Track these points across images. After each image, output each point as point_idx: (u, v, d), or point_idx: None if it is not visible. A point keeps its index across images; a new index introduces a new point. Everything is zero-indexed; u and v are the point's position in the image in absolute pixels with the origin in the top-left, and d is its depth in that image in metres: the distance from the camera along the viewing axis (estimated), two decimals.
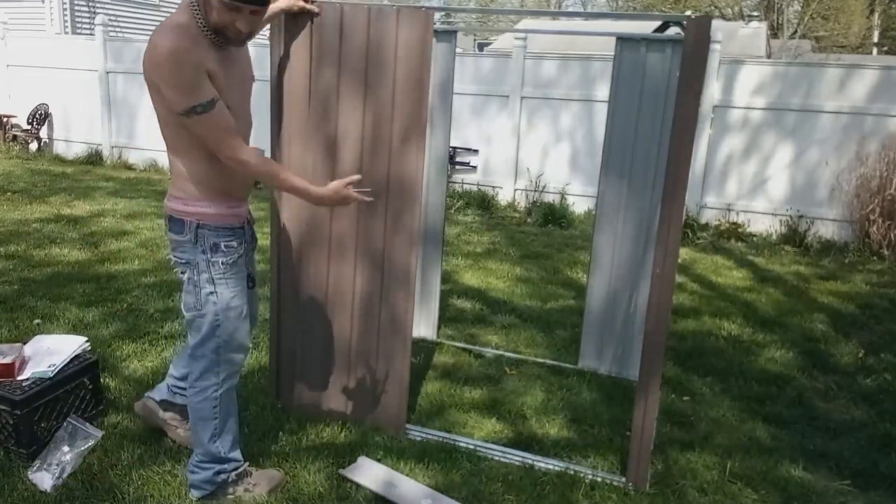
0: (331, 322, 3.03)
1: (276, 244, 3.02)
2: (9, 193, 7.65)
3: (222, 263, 2.33)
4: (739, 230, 7.42)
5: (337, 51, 2.79)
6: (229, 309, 2.37)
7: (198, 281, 2.32)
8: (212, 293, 2.33)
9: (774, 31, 22.74)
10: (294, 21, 2.76)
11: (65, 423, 2.72)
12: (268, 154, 2.41)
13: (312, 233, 2.97)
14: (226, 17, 2.08)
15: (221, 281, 2.34)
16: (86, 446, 2.67)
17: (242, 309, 2.42)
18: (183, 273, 2.34)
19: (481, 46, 21.60)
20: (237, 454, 2.54)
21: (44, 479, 2.52)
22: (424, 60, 2.73)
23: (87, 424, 2.77)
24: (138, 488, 2.52)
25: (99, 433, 2.77)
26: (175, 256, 2.34)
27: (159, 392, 2.82)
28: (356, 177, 2.38)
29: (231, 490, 2.51)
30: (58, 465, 2.57)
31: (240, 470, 2.53)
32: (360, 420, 3.06)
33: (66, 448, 2.63)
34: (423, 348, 4.02)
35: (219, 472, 2.48)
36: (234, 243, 2.35)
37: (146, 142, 10.12)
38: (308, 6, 2.73)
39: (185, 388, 2.75)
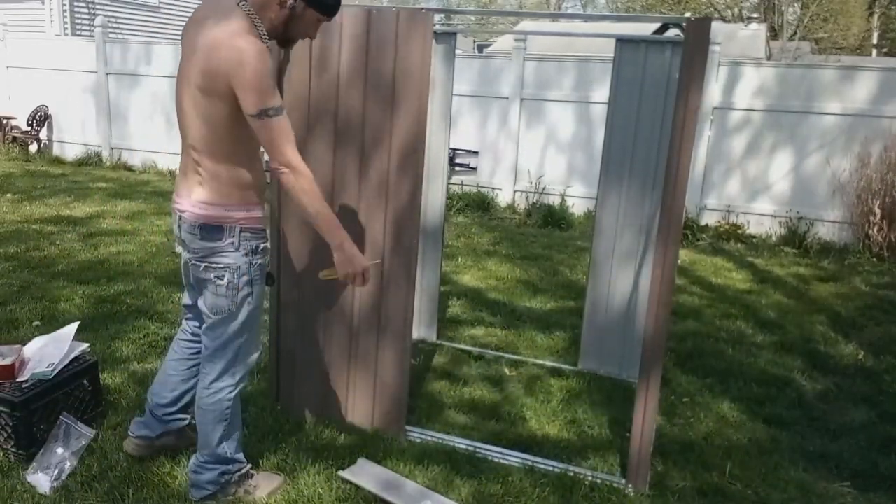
0: (331, 323, 3.03)
1: (277, 245, 3.02)
2: (9, 195, 7.66)
3: (259, 265, 2.36)
4: (739, 232, 7.43)
5: (337, 52, 2.79)
6: (257, 308, 2.41)
7: (237, 283, 2.31)
8: (249, 294, 2.35)
9: (774, 33, 22.75)
10: None
11: (58, 422, 2.71)
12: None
13: (313, 234, 2.96)
14: (311, 28, 2.21)
15: (257, 281, 2.37)
16: (79, 446, 2.66)
17: (262, 308, 2.48)
18: (220, 278, 2.29)
19: (481, 48, 21.63)
20: (241, 455, 2.54)
21: (42, 480, 2.51)
22: (424, 62, 2.73)
23: (80, 423, 2.74)
24: (137, 490, 2.52)
25: (91, 432, 2.75)
26: (207, 262, 2.28)
27: (146, 427, 2.68)
28: (377, 261, 2.55)
29: (232, 491, 2.51)
30: (56, 466, 2.56)
31: (243, 471, 2.53)
32: (360, 422, 3.06)
33: (60, 448, 2.61)
34: (423, 350, 4.02)
35: (223, 473, 2.48)
36: (267, 244, 2.39)
37: (145, 143, 10.14)
38: None
39: (177, 412, 2.69)
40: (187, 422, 2.74)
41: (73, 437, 2.66)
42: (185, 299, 2.60)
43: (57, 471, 2.54)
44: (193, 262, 2.31)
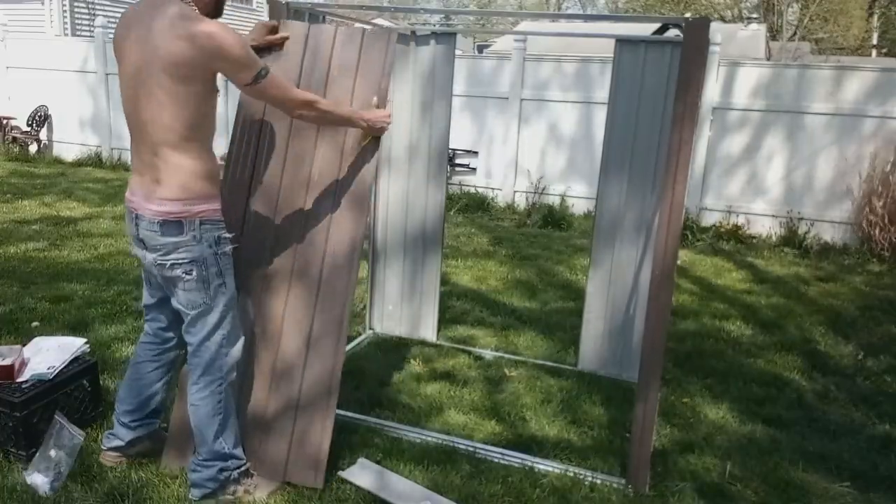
0: (257, 356, 2.73)
1: None
2: (8, 195, 7.66)
3: (225, 254, 2.38)
4: (739, 232, 7.43)
5: (298, 67, 2.75)
6: (233, 297, 2.44)
7: (207, 276, 2.33)
8: (221, 284, 2.38)
9: (774, 33, 22.75)
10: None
11: (52, 422, 2.67)
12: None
13: (251, 255, 2.76)
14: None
15: (227, 271, 2.40)
16: (74, 446, 2.63)
17: (237, 297, 2.50)
18: (188, 273, 2.31)
19: (481, 48, 21.64)
20: (240, 451, 2.54)
21: (40, 482, 2.50)
22: (384, 76, 2.69)
23: (72, 425, 2.69)
24: (137, 490, 2.52)
25: (82, 434, 2.70)
26: (173, 259, 2.30)
27: (116, 438, 2.66)
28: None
29: (232, 489, 2.50)
30: (53, 467, 2.54)
31: (242, 468, 2.53)
32: (270, 469, 2.63)
33: (54, 450, 2.58)
34: (423, 350, 4.02)
35: (222, 470, 2.47)
36: (230, 234, 2.40)
37: None
38: (275, 39, 2.74)
39: (144, 418, 2.67)
40: (157, 425, 2.74)
41: (67, 438, 2.64)
42: (146, 299, 2.59)
43: (54, 472, 2.54)
44: (158, 261, 2.32)
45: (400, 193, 4.06)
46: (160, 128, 2.22)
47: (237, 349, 2.48)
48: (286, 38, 2.76)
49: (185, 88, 2.18)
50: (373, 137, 2.66)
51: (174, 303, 2.41)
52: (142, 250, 2.36)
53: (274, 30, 2.76)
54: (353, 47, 2.74)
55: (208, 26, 2.17)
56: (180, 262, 2.30)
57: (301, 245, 2.71)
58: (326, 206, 2.70)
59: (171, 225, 2.26)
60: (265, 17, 2.94)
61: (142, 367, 2.65)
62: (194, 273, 2.32)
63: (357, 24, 3.53)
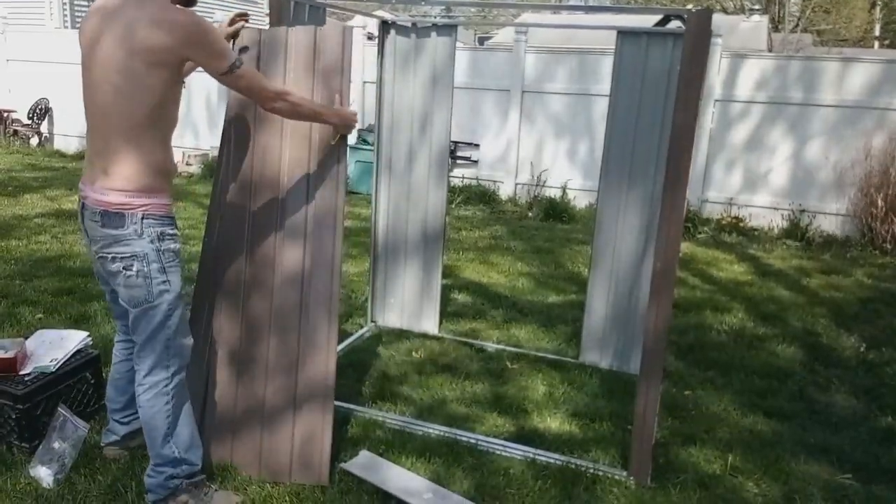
0: (250, 353, 2.72)
1: (206, 276, 2.80)
2: (9, 188, 7.65)
3: (169, 251, 2.29)
4: (741, 224, 7.42)
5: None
6: (180, 296, 2.35)
7: (148, 272, 2.25)
8: (164, 282, 2.28)
9: (776, 25, 22.65)
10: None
11: (55, 415, 2.68)
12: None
13: (231, 262, 2.77)
14: None
15: (172, 269, 2.31)
16: (77, 438, 2.64)
17: (185, 297, 2.42)
18: (128, 268, 2.24)
19: (482, 40, 21.56)
20: (193, 456, 2.42)
21: (44, 474, 2.51)
22: (344, 75, 2.68)
23: (75, 417, 2.71)
24: (140, 482, 2.52)
25: (86, 426, 2.72)
26: (113, 252, 2.23)
27: (112, 433, 2.69)
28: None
29: (184, 500, 2.39)
30: (56, 459, 2.55)
31: (195, 479, 2.41)
32: (276, 473, 2.63)
33: (58, 442, 2.59)
34: (425, 343, 4.02)
35: (171, 477, 2.37)
36: (176, 230, 2.34)
37: None
38: (234, 28, 2.73)
39: (133, 414, 2.62)
40: None
41: (71, 430, 2.65)
42: (109, 297, 2.54)
43: (58, 464, 2.55)
44: (99, 253, 2.27)
45: (402, 186, 4.05)
46: (117, 115, 2.17)
47: (186, 349, 2.40)
48: (245, 19, 2.74)
49: (155, 74, 2.13)
50: (340, 136, 2.68)
51: (120, 300, 2.34)
52: (88, 242, 2.31)
53: (233, 22, 2.74)
54: (307, 48, 2.71)
55: (184, 15, 2.15)
56: (120, 256, 2.23)
57: (279, 240, 2.70)
58: (301, 202, 2.70)
59: (113, 217, 2.20)
60: (265, 11, 2.92)
61: (121, 365, 2.64)
62: (134, 268, 2.24)
63: (357, 16, 3.52)
